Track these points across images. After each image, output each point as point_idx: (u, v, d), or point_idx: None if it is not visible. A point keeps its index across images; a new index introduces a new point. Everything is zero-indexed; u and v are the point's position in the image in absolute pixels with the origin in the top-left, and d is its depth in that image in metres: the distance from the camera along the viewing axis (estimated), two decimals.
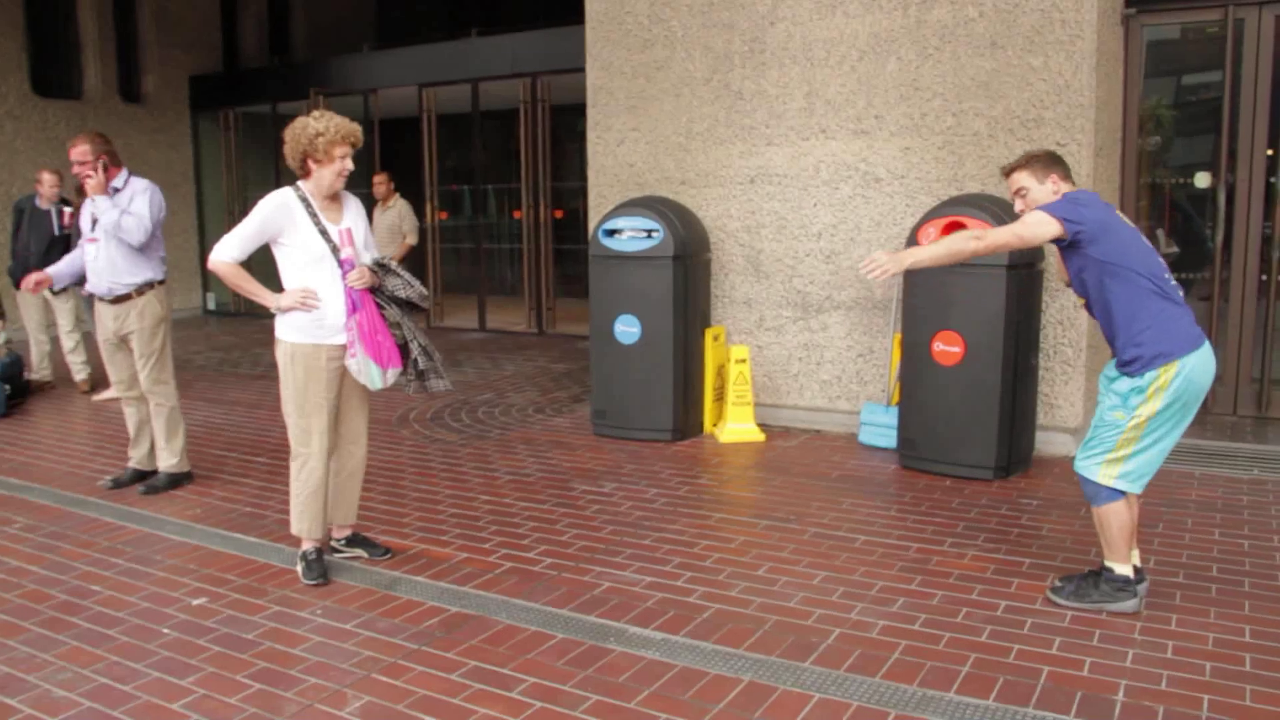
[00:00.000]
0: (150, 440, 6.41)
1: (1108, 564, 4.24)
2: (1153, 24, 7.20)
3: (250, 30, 16.59)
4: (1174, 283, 4.12)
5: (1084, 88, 6.36)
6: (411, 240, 11.16)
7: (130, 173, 6.17)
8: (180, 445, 6.34)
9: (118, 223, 5.96)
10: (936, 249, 4.34)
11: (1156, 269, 4.08)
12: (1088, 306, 4.23)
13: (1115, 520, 4.16)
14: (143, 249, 6.07)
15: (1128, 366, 4.09)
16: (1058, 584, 4.38)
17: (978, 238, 4.21)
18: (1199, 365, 4.03)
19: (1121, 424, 4.09)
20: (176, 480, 6.31)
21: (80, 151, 5.98)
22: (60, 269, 6.34)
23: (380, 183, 11.22)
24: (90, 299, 6.41)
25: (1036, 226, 4.07)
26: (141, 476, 6.39)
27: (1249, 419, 7.18)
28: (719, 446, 7.14)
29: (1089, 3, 6.30)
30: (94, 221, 6.02)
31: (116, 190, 6.04)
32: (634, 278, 7.19)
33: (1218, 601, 4.33)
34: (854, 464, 6.61)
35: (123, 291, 6.07)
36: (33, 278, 6.27)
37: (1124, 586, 4.19)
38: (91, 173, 5.97)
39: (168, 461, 6.31)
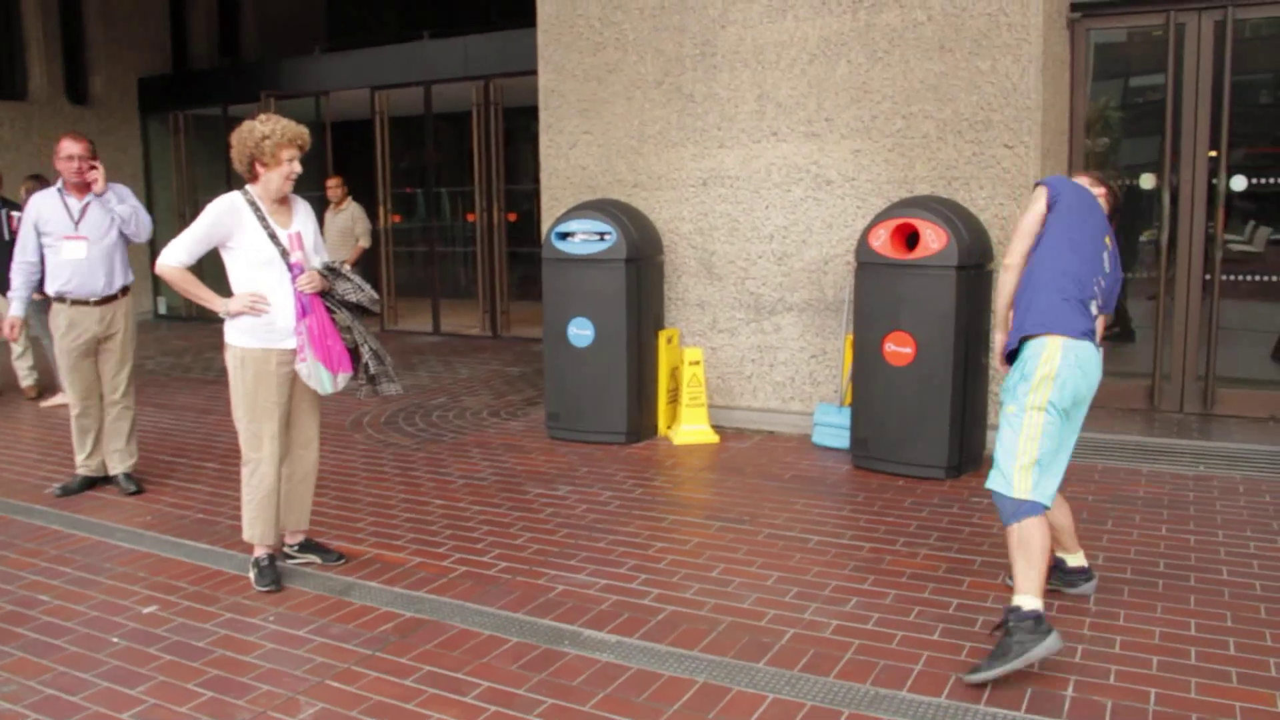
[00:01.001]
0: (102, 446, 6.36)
1: (1015, 601, 3.72)
2: (1098, 28, 7.31)
3: (199, 31, 16.41)
4: (1095, 293, 4.03)
5: (1031, 90, 6.44)
6: (364, 243, 11.13)
7: None
8: (136, 445, 6.45)
9: (135, 216, 6.13)
10: (999, 312, 4.27)
11: (1092, 267, 4.02)
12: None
13: (1039, 536, 3.78)
14: (128, 247, 6.25)
15: (1012, 337, 4.03)
16: (977, 666, 3.72)
17: (1003, 258, 4.21)
18: (1082, 361, 3.90)
19: (1016, 422, 3.91)
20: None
21: (85, 146, 6.07)
22: (21, 295, 6.16)
23: (334, 186, 11.17)
24: (46, 303, 6.29)
25: (1031, 205, 4.10)
26: (92, 484, 6.32)
27: (1195, 416, 7.29)
28: (673, 448, 7.16)
29: (1035, 7, 6.38)
30: (77, 220, 6.02)
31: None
32: (587, 280, 7.20)
33: (1164, 596, 4.40)
34: (807, 464, 6.64)
35: (112, 292, 6.12)
36: (6, 326, 6.31)
37: (1037, 623, 3.64)
38: (98, 164, 6.07)
39: (129, 462, 6.34)
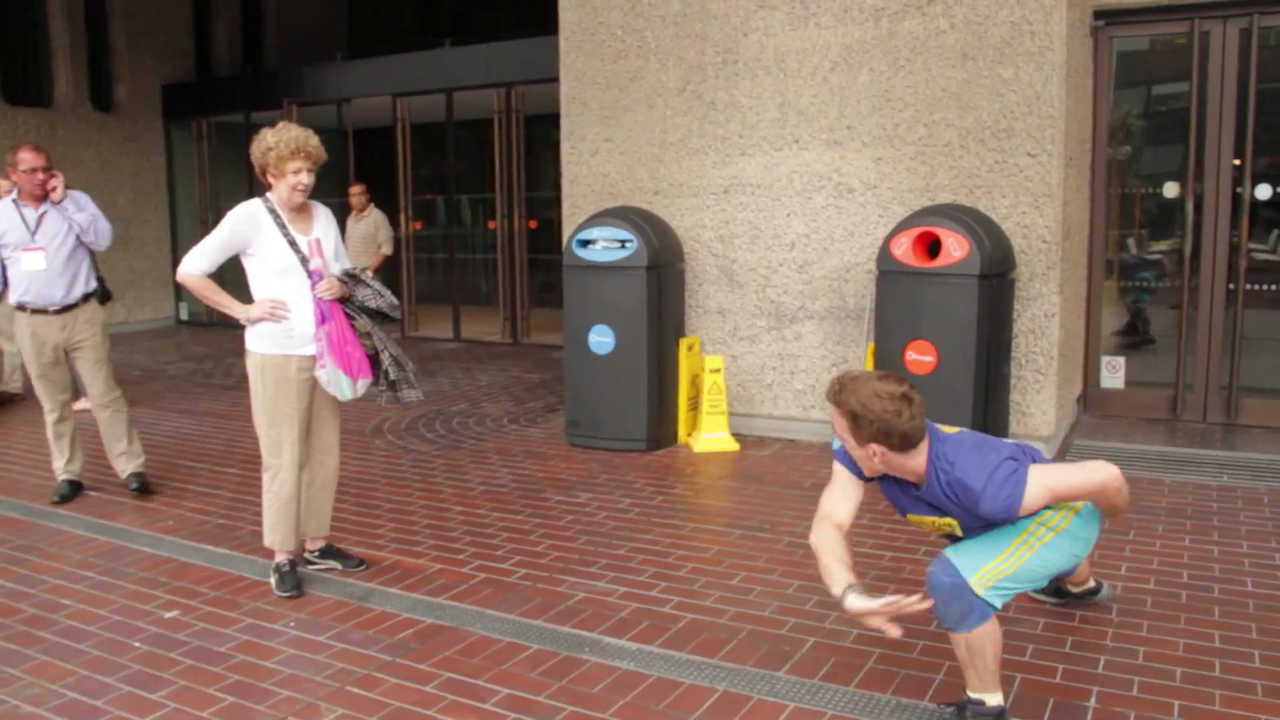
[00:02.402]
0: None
1: (975, 695, 3.37)
2: (1121, 36, 7.28)
3: (222, 39, 16.49)
4: None
5: (1054, 98, 6.41)
6: (387, 250, 11.20)
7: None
8: (139, 444, 6.49)
9: (94, 224, 6.08)
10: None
11: None
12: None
13: (991, 642, 3.30)
14: (91, 254, 6.23)
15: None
16: None
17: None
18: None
19: (1020, 523, 3.41)
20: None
21: (44, 157, 6.02)
22: None
23: (357, 193, 11.25)
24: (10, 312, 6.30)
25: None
26: (78, 488, 6.37)
27: (1218, 426, 7.24)
28: (693, 456, 7.15)
29: (1058, 15, 6.36)
30: (34, 230, 5.99)
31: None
32: (608, 288, 7.20)
33: (1188, 608, 4.36)
34: (828, 473, 6.57)
35: (72, 301, 6.11)
36: None
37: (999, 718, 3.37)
38: (57, 174, 6.08)
39: (136, 461, 6.39)
